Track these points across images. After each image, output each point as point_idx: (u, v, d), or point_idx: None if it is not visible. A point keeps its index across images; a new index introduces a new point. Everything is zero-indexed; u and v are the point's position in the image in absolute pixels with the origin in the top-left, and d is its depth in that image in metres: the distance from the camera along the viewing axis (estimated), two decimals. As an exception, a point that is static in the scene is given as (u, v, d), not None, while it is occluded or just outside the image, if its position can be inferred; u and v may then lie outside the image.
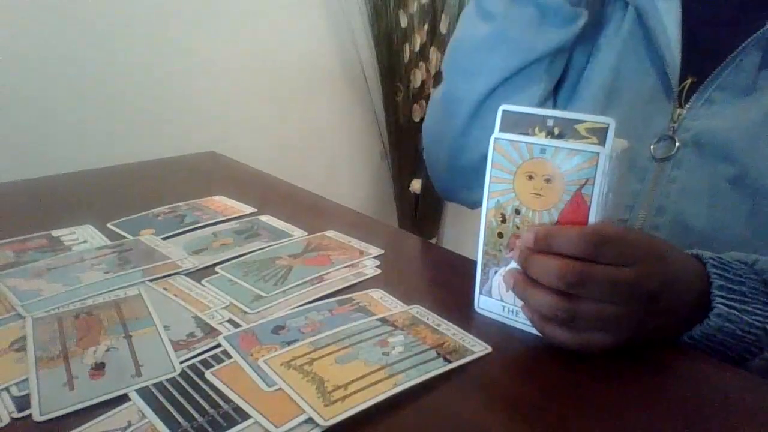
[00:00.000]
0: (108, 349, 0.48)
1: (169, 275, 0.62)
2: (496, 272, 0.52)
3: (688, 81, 0.62)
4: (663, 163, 0.62)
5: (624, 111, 0.65)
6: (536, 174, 0.48)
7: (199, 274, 0.62)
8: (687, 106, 0.61)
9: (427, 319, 0.53)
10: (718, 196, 0.58)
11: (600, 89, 0.68)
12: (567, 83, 0.73)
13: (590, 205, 0.46)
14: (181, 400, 0.42)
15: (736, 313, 0.47)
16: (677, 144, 0.61)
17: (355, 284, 0.60)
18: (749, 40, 0.57)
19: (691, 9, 0.63)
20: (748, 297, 0.48)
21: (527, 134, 0.48)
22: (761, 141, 0.57)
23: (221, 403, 0.42)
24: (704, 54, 0.61)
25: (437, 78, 1.94)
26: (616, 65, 0.67)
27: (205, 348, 0.49)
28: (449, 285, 0.63)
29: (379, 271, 0.63)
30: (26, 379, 0.45)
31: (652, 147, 0.62)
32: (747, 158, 0.57)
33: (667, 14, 0.63)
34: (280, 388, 0.43)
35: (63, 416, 0.41)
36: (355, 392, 0.42)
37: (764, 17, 0.57)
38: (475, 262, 0.54)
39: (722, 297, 0.47)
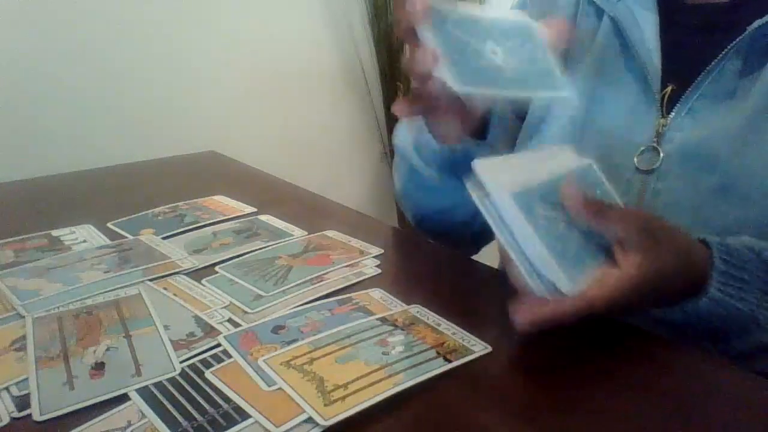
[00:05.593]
0: (108, 349, 0.48)
1: (169, 275, 0.62)
2: None
3: (669, 89, 0.61)
4: (647, 175, 0.60)
5: (605, 123, 0.64)
6: None
7: (199, 274, 0.62)
8: (670, 116, 0.60)
9: (427, 318, 0.53)
10: (705, 207, 0.57)
11: (578, 103, 0.66)
12: (538, 105, 0.70)
13: None
14: (181, 399, 0.42)
15: (730, 300, 0.48)
16: (661, 155, 0.60)
17: (355, 284, 0.60)
18: (730, 46, 0.57)
19: (669, 16, 0.63)
20: (747, 284, 0.48)
21: None
22: (746, 147, 0.56)
23: (221, 402, 0.42)
24: (684, 61, 0.61)
25: (437, 78, 1.94)
26: (593, 77, 0.66)
27: (205, 347, 0.49)
28: (449, 285, 0.63)
29: (379, 270, 0.63)
30: (26, 379, 0.45)
31: (635, 158, 0.61)
32: (732, 165, 0.56)
33: (644, 22, 0.63)
34: (280, 388, 0.43)
35: (63, 416, 0.41)
36: (355, 392, 0.42)
37: (744, 24, 0.56)
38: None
39: (720, 282, 0.48)
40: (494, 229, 0.46)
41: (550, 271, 0.45)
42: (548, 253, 0.45)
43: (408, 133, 0.67)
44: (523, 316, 0.46)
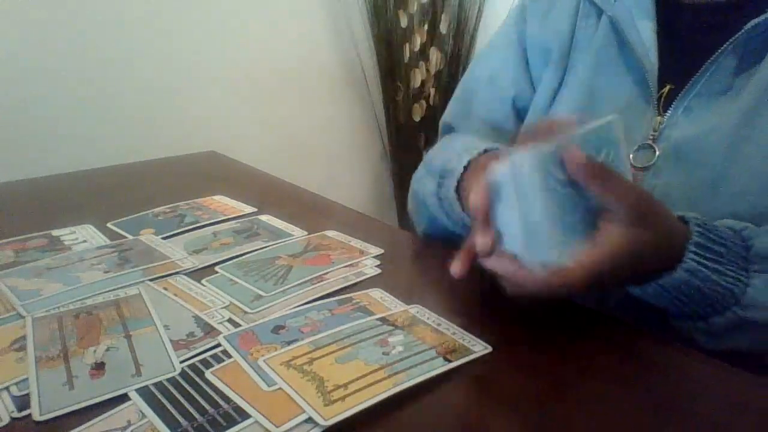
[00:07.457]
0: (108, 349, 0.48)
1: (169, 275, 0.62)
2: None
3: (667, 88, 0.62)
4: (642, 172, 0.61)
5: None
6: None
7: (199, 274, 0.62)
8: (667, 114, 0.61)
9: (427, 318, 0.53)
10: (700, 202, 0.58)
11: (576, 103, 0.67)
12: (539, 105, 0.71)
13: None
14: (181, 399, 0.42)
15: (705, 270, 0.48)
16: (657, 153, 0.61)
17: (355, 284, 0.60)
18: (726, 44, 0.57)
19: (667, 16, 0.63)
20: (724, 258, 0.49)
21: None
22: (740, 143, 0.57)
23: (221, 402, 0.42)
24: (681, 60, 0.61)
25: (437, 78, 1.94)
26: (592, 77, 0.66)
27: (205, 347, 0.49)
28: (449, 285, 0.63)
29: (379, 270, 0.63)
30: (26, 379, 0.45)
31: (631, 155, 0.62)
32: (727, 161, 0.57)
33: (641, 22, 0.63)
34: (280, 388, 0.43)
35: (63, 416, 0.41)
36: (355, 392, 0.42)
37: (740, 23, 0.57)
38: None
39: (695, 254, 0.48)
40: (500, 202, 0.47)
41: (540, 239, 0.45)
42: (546, 219, 0.45)
43: (432, 184, 0.66)
44: (495, 261, 0.47)
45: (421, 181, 0.70)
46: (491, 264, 0.49)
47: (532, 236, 0.46)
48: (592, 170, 0.45)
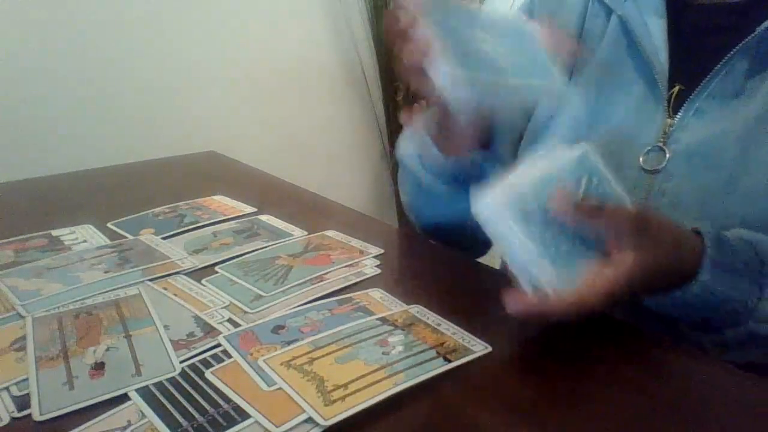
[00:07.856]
0: (108, 349, 0.48)
1: (168, 275, 0.62)
2: None
3: (677, 88, 0.61)
4: (653, 174, 0.61)
5: (612, 123, 0.64)
6: None
7: (199, 274, 0.62)
8: (677, 116, 0.60)
9: (427, 318, 0.53)
10: (711, 206, 0.57)
11: (584, 104, 0.66)
12: (545, 107, 0.70)
13: None
14: (181, 399, 0.42)
15: (721, 287, 0.48)
16: (668, 155, 0.60)
17: (355, 284, 0.60)
18: (738, 46, 0.57)
19: (677, 17, 0.63)
20: (739, 273, 0.49)
21: None
22: (752, 146, 0.56)
23: (221, 402, 0.42)
24: (691, 61, 0.61)
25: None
26: (600, 77, 0.66)
27: (205, 347, 0.49)
28: (449, 285, 0.63)
29: (378, 270, 0.63)
30: (26, 379, 0.45)
31: (641, 158, 0.61)
32: (738, 164, 0.56)
33: (652, 21, 0.63)
34: (280, 388, 0.43)
35: (63, 416, 0.41)
36: (355, 392, 0.42)
37: (752, 25, 0.56)
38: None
39: (711, 269, 0.48)
40: (493, 241, 0.48)
41: (544, 274, 0.46)
42: (545, 259, 0.45)
43: (412, 145, 0.67)
44: (515, 304, 0.47)
45: (403, 148, 0.70)
46: (517, 310, 0.48)
47: (522, 270, 0.47)
48: (580, 210, 0.46)
